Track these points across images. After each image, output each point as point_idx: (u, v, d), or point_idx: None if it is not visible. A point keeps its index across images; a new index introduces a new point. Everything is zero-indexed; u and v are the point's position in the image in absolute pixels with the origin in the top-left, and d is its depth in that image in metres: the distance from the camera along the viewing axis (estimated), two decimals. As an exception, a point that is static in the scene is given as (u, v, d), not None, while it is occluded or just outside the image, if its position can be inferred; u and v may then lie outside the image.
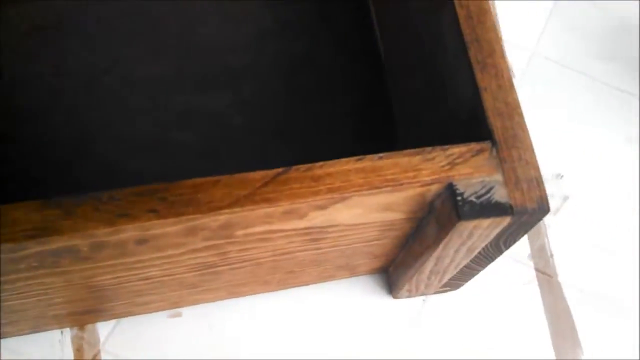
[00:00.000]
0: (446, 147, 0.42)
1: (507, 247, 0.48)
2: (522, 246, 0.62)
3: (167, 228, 0.39)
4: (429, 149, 0.42)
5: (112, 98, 0.62)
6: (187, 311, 0.56)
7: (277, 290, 0.58)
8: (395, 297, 0.59)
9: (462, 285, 0.58)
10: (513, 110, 0.44)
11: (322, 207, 0.41)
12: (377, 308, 0.59)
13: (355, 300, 0.59)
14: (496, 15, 0.73)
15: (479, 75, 0.44)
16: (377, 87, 0.66)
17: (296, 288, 0.58)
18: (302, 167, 0.40)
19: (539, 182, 0.42)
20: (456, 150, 0.42)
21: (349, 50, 0.67)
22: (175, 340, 0.56)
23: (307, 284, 0.58)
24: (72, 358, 0.54)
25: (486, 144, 0.43)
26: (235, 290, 0.55)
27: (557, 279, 0.62)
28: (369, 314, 0.59)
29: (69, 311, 0.51)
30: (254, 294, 0.57)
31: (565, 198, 0.65)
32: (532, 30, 0.73)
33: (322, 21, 0.67)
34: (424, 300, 0.60)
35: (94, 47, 0.64)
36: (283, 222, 0.42)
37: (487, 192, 0.42)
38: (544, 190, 0.42)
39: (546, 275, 0.62)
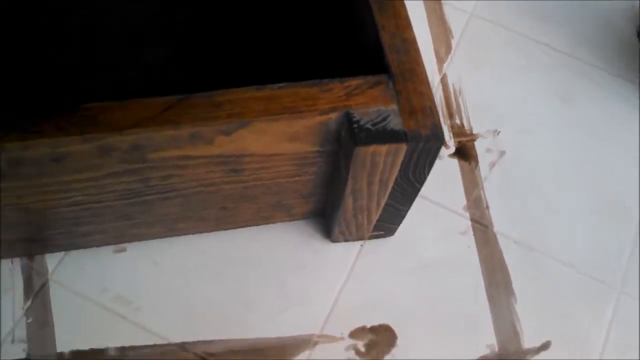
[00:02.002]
0: (344, 79, 0.45)
1: (418, 180, 0.50)
2: (459, 197, 0.64)
3: (76, 146, 0.42)
4: (326, 80, 0.45)
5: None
6: (131, 247, 0.60)
7: (216, 230, 0.61)
8: (333, 241, 0.62)
9: (395, 228, 0.60)
10: (410, 46, 0.46)
11: (226, 133, 0.44)
12: (314, 251, 0.61)
13: (293, 243, 0.62)
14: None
15: (377, 15, 0.47)
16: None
17: (237, 230, 0.61)
18: (204, 94, 0.43)
19: (432, 110, 0.45)
20: (353, 82, 0.45)
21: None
22: (121, 273, 0.59)
23: (246, 224, 0.61)
24: (22, 286, 0.58)
25: (383, 77, 0.45)
26: (173, 226, 0.58)
27: (492, 229, 0.63)
28: (306, 256, 0.61)
29: (13, 237, 0.55)
30: (194, 232, 0.61)
31: (502, 153, 0.66)
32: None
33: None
34: (361, 245, 0.62)
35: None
36: (192, 148, 0.45)
37: (383, 120, 0.44)
38: (438, 118, 0.45)
39: (482, 225, 0.63)
